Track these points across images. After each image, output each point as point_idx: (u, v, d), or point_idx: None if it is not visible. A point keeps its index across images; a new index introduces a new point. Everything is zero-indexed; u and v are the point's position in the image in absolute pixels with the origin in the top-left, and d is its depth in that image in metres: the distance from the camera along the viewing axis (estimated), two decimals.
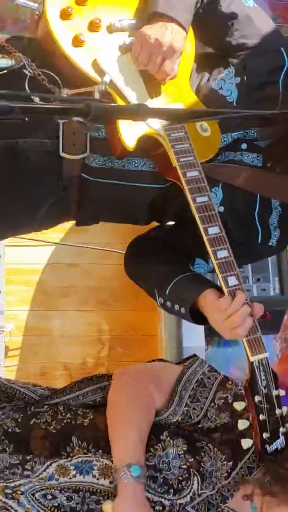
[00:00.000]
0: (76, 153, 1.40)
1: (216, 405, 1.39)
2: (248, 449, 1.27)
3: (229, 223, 1.39)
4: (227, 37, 1.42)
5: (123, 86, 1.35)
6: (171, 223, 1.56)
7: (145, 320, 2.96)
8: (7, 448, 1.40)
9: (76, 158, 1.40)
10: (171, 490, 1.31)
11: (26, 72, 1.36)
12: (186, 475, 1.31)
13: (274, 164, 1.42)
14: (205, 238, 1.26)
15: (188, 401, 1.40)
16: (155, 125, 1.35)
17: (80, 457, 1.34)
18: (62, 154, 1.39)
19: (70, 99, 1.26)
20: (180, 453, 1.32)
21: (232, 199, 1.43)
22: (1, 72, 1.36)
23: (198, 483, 1.32)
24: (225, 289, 1.23)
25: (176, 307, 1.35)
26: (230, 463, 1.33)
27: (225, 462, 1.33)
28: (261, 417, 1.20)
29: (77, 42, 1.36)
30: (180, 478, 1.31)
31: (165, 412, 1.39)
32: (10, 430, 1.42)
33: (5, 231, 1.62)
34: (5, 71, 1.37)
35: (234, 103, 1.41)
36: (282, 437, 1.22)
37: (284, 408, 1.22)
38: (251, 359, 1.21)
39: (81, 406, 1.49)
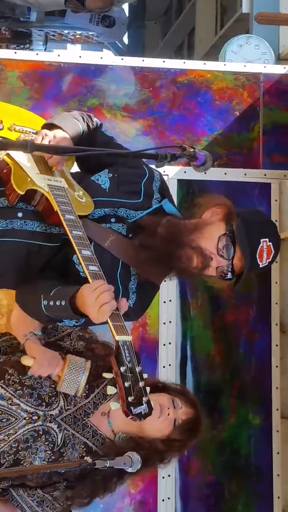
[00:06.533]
0: None
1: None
2: (103, 381, 1.82)
3: None
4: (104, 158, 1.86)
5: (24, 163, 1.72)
6: None
7: None
8: None
9: None
10: (44, 403, 1.83)
11: None
12: (54, 393, 1.81)
13: (134, 236, 1.79)
14: (75, 246, 1.58)
15: None
16: (42, 183, 1.69)
17: None
18: None
19: None
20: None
21: (101, 257, 1.68)
22: None
23: (64, 400, 1.82)
24: (88, 274, 1.54)
25: (58, 302, 1.60)
26: (87, 386, 1.83)
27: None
28: (126, 384, 1.43)
29: None
30: (50, 395, 1.82)
31: None
32: None
33: None
34: None
35: (107, 190, 1.83)
36: (145, 405, 1.45)
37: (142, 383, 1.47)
38: (117, 338, 1.46)
39: None
